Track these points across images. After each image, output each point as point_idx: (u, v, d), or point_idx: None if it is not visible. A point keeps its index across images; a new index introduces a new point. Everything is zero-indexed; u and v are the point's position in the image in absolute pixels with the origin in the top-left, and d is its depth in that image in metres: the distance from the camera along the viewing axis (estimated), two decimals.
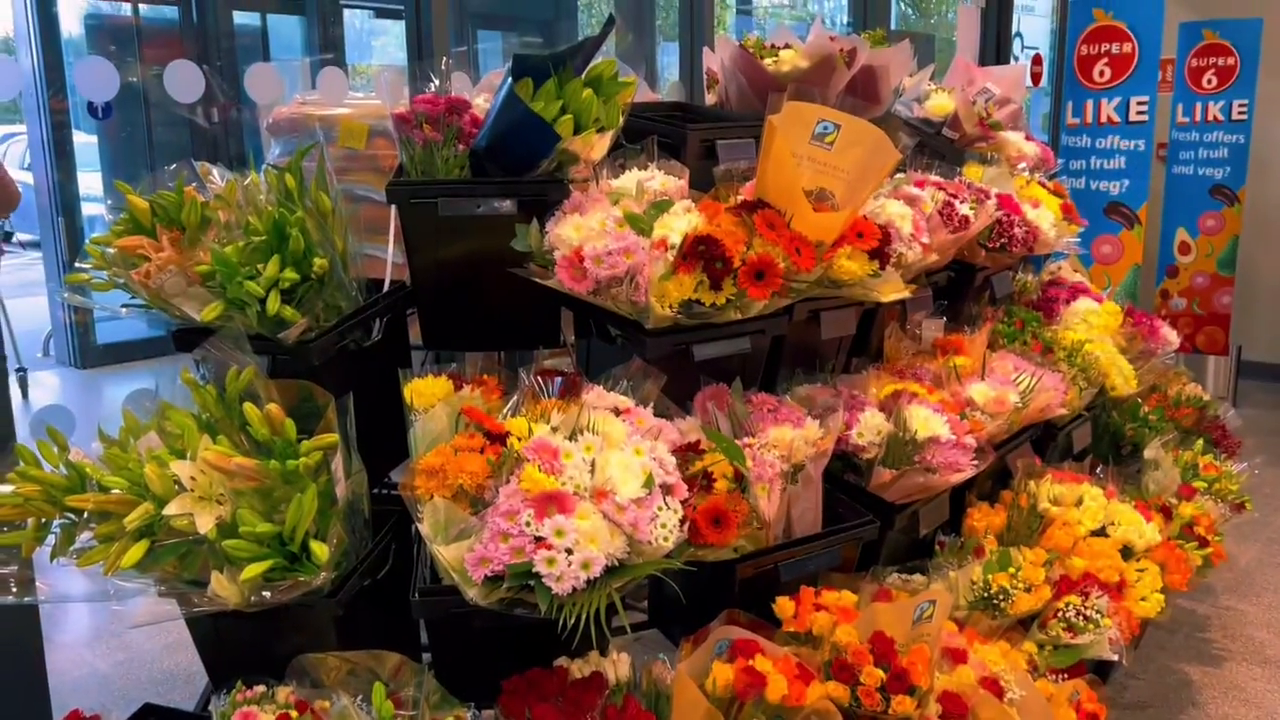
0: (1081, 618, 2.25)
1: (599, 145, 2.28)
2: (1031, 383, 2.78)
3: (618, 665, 2.04)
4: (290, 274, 1.99)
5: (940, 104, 3.45)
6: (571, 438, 1.92)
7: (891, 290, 2.39)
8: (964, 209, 2.77)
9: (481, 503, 1.83)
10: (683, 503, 1.93)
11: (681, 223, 2.15)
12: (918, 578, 2.47)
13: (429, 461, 1.86)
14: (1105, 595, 2.33)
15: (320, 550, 1.80)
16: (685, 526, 1.86)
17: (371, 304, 2.31)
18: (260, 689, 2.01)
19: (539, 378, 2.13)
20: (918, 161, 3.11)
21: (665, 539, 1.81)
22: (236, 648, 2.11)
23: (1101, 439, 3.42)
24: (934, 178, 2.94)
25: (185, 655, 2.14)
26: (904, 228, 2.50)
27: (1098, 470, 2.98)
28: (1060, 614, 2.27)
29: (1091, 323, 3.35)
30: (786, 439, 2.16)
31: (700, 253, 2.05)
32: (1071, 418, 3.06)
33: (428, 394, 2.10)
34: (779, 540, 2.16)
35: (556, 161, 2.30)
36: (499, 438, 1.92)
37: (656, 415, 2.20)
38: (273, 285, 1.98)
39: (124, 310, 2.20)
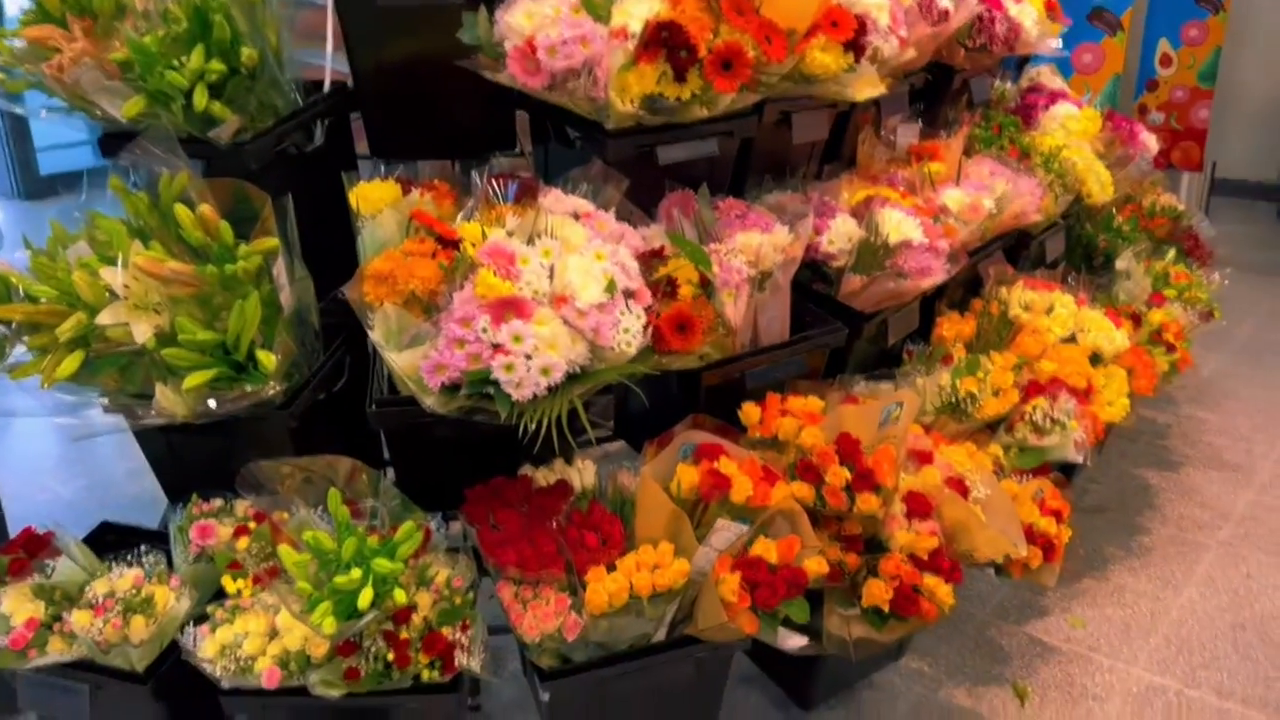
0: (1048, 420, 2.24)
1: None
2: (1006, 189, 2.69)
3: (583, 473, 2.01)
4: (216, 65, 1.83)
5: None
6: (529, 242, 1.83)
7: (866, 87, 2.26)
8: (944, 2, 2.61)
9: (435, 309, 1.75)
10: (646, 309, 1.86)
11: (642, 8, 1.99)
12: (885, 385, 2.44)
13: (378, 267, 1.76)
14: (1073, 399, 2.32)
15: (267, 359, 1.73)
16: (649, 333, 1.79)
17: (311, 104, 2.15)
18: (218, 502, 1.97)
19: (493, 181, 2.02)
20: None
21: (628, 344, 1.75)
22: (193, 466, 2.06)
23: (1075, 249, 3.36)
24: None
25: (150, 480, 2.08)
26: (880, 19, 2.34)
27: (1069, 279, 2.94)
28: (1027, 417, 2.26)
29: (1070, 129, 3.24)
30: (754, 245, 2.08)
31: (663, 40, 1.90)
32: (1045, 226, 2.99)
33: (374, 199, 1.98)
34: (745, 348, 2.11)
35: None
36: (451, 243, 1.82)
37: (619, 220, 2.11)
38: (198, 78, 1.83)
39: (43, 114, 2.04)
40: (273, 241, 1.75)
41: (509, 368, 1.66)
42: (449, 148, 2.40)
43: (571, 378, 1.73)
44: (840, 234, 2.29)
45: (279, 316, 1.78)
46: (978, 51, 2.92)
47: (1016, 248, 3.02)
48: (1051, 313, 2.73)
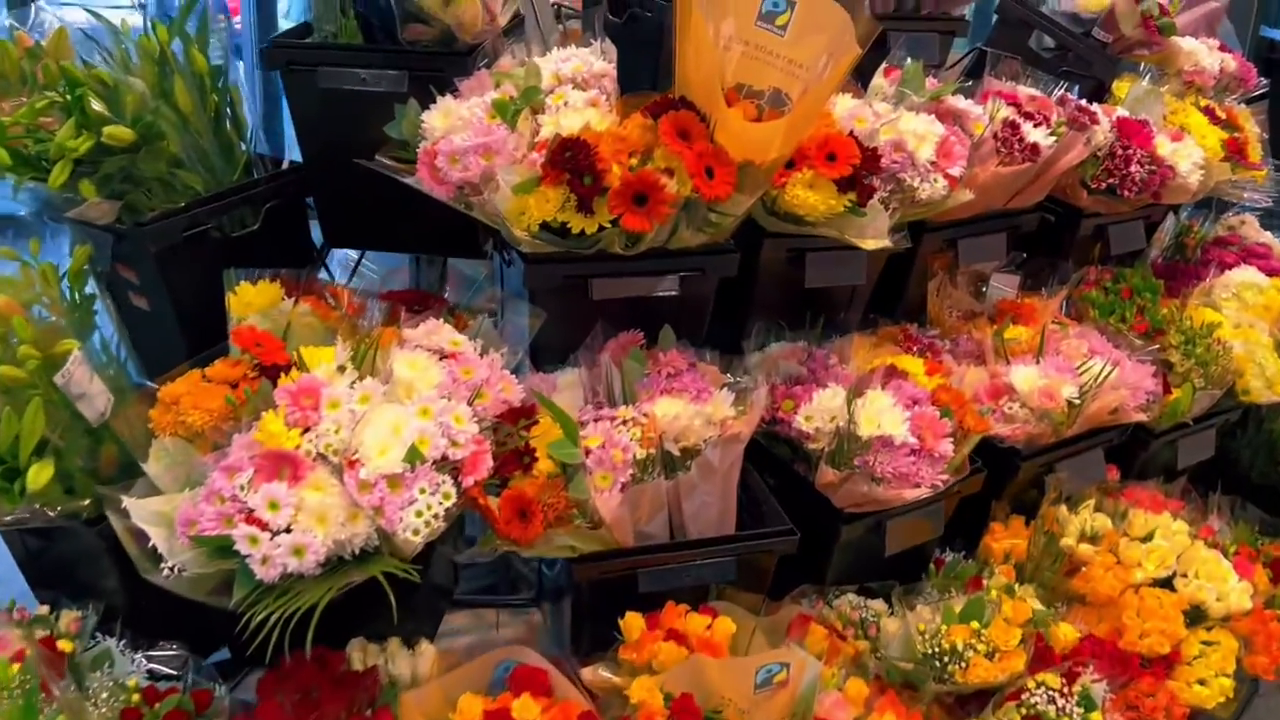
0: (1054, 707, 1.65)
1: (468, 6, 1.79)
2: (1102, 373, 2.09)
3: (417, 660, 1.66)
4: (81, 141, 1.67)
5: None
6: (372, 378, 1.53)
7: (871, 237, 1.79)
8: (1036, 134, 2.07)
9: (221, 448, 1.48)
10: (498, 482, 1.51)
11: (573, 119, 1.65)
12: (877, 604, 1.92)
13: (170, 389, 1.52)
14: (1103, 680, 1.70)
15: (37, 475, 1.52)
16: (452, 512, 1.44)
17: (239, 188, 1.96)
18: (43, 610, 1.79)
19: (389, 299, 1.74)
20: (1049, 67, 2.40)
21: (414, 532, 1.40)
22: (50, 564, 1.90)
23: (1243, 453, 2.63)
24: (1023, 90, 2.22)
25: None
26: (921, 151, 1.87)
27: (1193, 496, 2.26)
28: (1024, 698, 1.67)
29: (1247, 300, 2.53)
30: (671, 415, 1.66)
31: (565, 161, 1.55)
32: (1174, 424, 2.32)
33: (252, 302, 1.75)
34: (647, 541, 1.69)
35: (440, 27, 1.83)
36: (271, 369, 1.55)
37: (543, 361, 1.77)
38: (66, 152, 1.67)
39: None
40: (69, 344, 1.54)
41: (253, 540, 1.35)
42: (406, 240, 2.15)
43: (343, 562, 1.41)
44: (822, 410, 1.82)
45: (77, 423, 1.58)
46: (1106, 194, 2.33)
47: (1134, 444, 2.37)
48: (1149, 541, 2.09)
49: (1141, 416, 2.15)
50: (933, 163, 1.89)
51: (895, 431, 1.72)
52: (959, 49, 2.78)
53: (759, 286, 2.03)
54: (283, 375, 1.52)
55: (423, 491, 1.41)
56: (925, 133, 1.87)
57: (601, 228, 1.59)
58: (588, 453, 1.58)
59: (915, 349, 2.08)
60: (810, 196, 1.71)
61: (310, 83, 1.92)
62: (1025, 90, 2.23)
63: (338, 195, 2.08)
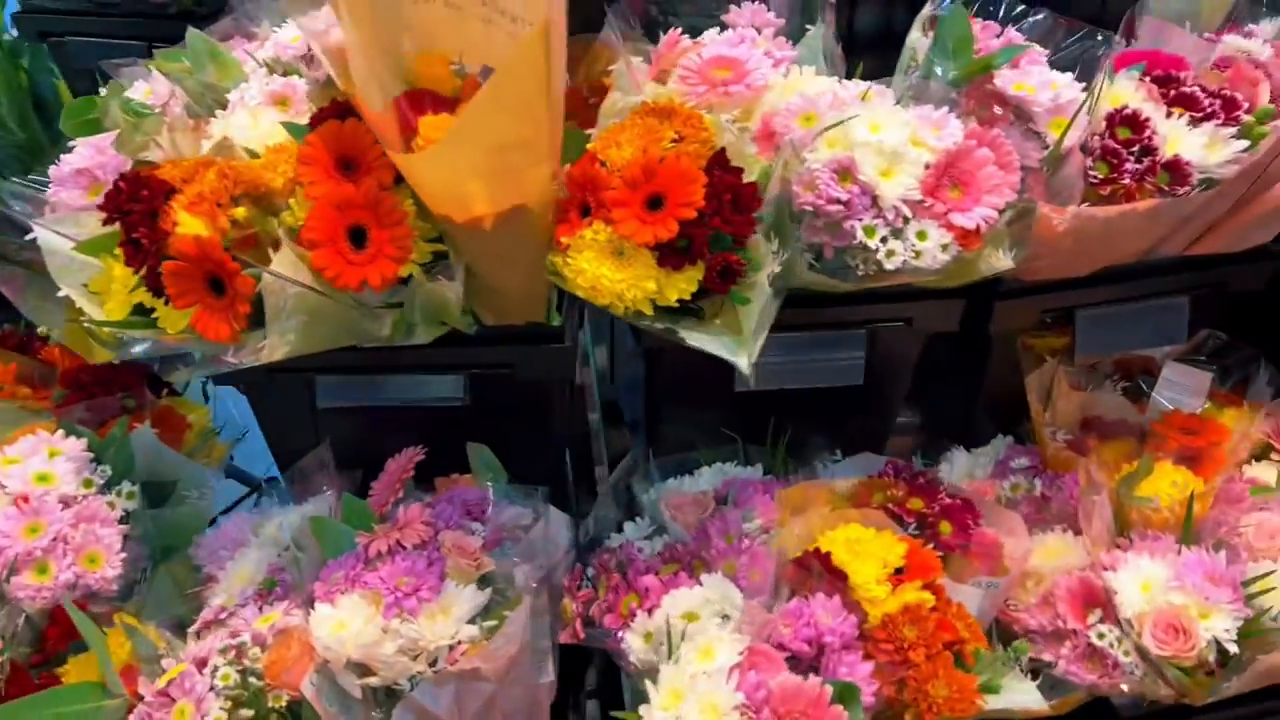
0: None
1: None
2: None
3: None
4: None
5: None
6: None
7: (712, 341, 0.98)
8: (1189, 138, 1.08)
9: None
10: None
11: (245, 126, 1.01)
12: None
13: None
14: None
15: None
16: None
17: None
18: None
19: None
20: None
21: None
22: None
23: None
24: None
25: None
26: (886, 185, 1.00)
27: None
28: None
29: None
30: (339, 630, 0.99)
31: (119, 204, 0.92)
32: None
33: None
34: None
35: None
36: None
37: None
38: None
39: None
40: None
41: None
42: None
43: None
44: (658, 630, 1.05)
45: None
46: None
47: None
48: None
49: None
50: (905, 203, 1.00)
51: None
52: None
53: (657, 387, 1.28)
54: None
55: None
56: (894, 150, 0.99)
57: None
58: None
59: (906, 508, 1.20)
60: (604, 273, 0.93)
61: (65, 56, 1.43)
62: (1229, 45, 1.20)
63: None
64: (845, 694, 0.95)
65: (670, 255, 0.93)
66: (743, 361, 0.95)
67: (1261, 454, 1.34)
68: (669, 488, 1.29)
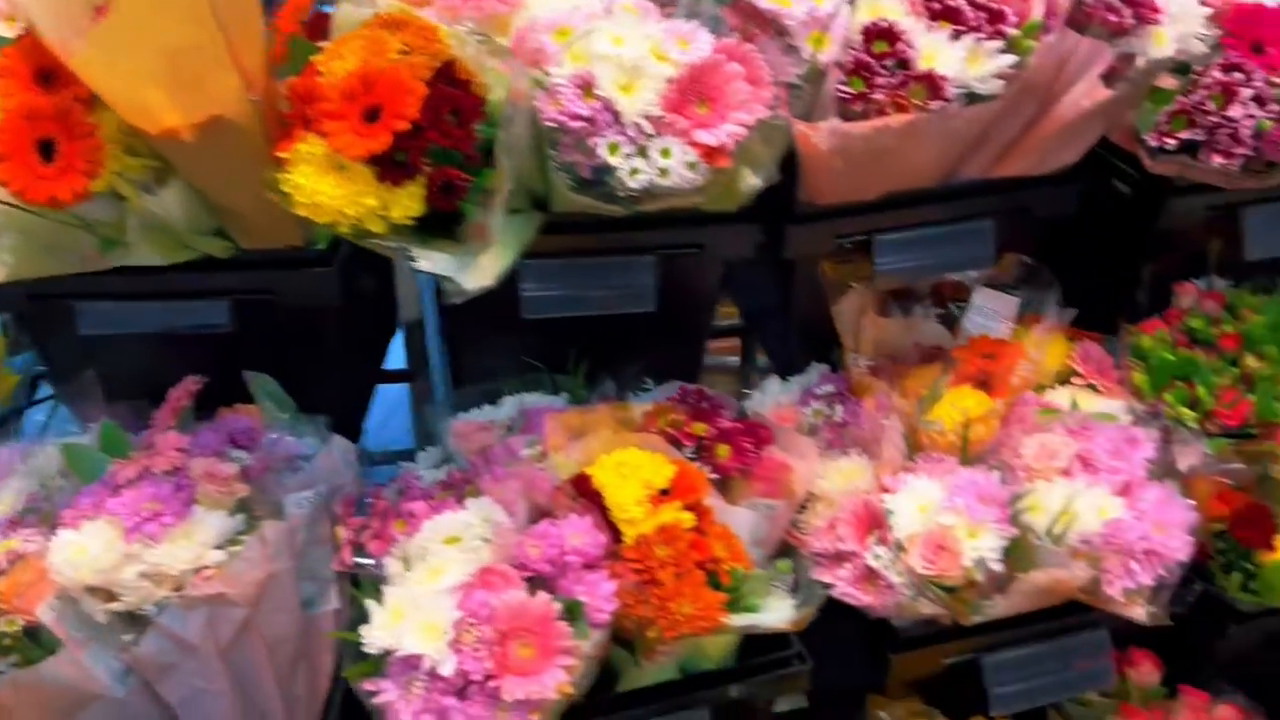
0: None
1: None
2: (1068, 512, 1.09)
3: None
4: None
5: None
6: None
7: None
8: (946, 53, 1.05)
9: None
10: None
11: None
12: None
13: None
14: None
15: None
16: None
17: None
18: None
19: None
20: None
21: None
22: None
23: None
24: None
25: None
26: (628, 99, 0.98)
27: None
28: None
29: None
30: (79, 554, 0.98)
31: None
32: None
33: None
34: None
35: None
36: None
37: None
38: None
39: None
40: None
41: None
42: None
43: None
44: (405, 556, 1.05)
45: None
46: (1181, 158, 1.23)
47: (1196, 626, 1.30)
48: None
49: (1139, 610, 1.11)
50: (660, 120, 0.98)
51: (426, 647, 0.91)
52: None
53: (456, 316, 1.26)
54: None
55: None
56: (634, 64, 0.97)
57: None
58: None
59: (686, 432, 1.20)
60: (323, 189, 0.91)
61: None
62: None
63: None
64: (572, 611, 0.95)
65: (390, 170, 0.91)
66: (467, 280, 0.93)
67: (1067, 378, 1.34)
68: (465, 418, 1.28)
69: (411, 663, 0.91)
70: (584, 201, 1.08)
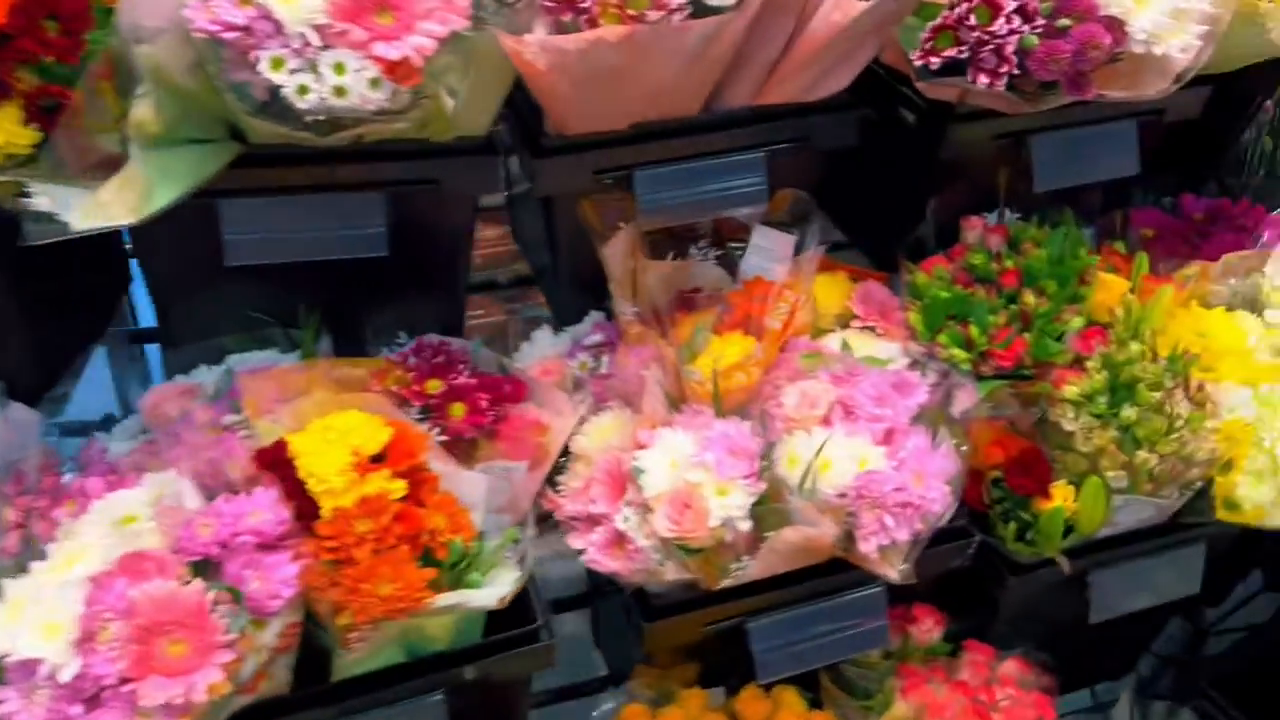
0: None
1: None
2: (818, 459, 1.00)
3: None
4: None
5: None
6: None
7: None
8: None
9: None
10: None
11: None
12: None
13: None
14: None
15: None
16: None
17: None
18: None
19: None
20: None
21: None
22: None
23: None
24: None
25: None
26: (289, 10, 0.84)
27: None
28: None
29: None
30: None
31: None
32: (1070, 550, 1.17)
33: None
34: None
35: None
36: None
37: None
38: None
39: None
40: None
41: None
42: None
43: None
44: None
45: None
46: (948, 78, 1.14)
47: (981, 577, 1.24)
48: None
49: (890, 570, 1.04)
50: (330, 30, 0.85)
51: (44, 649, 0.78)
52: None
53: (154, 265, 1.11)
54: None
55: None
56: None
57: None
58: None
59: (418, 390, 1.08)
60: None
61: None
62: None
63: None
64: (235, 599, 0.83)
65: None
66: (74, 217, 0.79)
67: (848, 321, 1.26)
68: (172, 383, 1.14)
69: (30, 667, 0.78)
70: (270, 129, 0.94)
